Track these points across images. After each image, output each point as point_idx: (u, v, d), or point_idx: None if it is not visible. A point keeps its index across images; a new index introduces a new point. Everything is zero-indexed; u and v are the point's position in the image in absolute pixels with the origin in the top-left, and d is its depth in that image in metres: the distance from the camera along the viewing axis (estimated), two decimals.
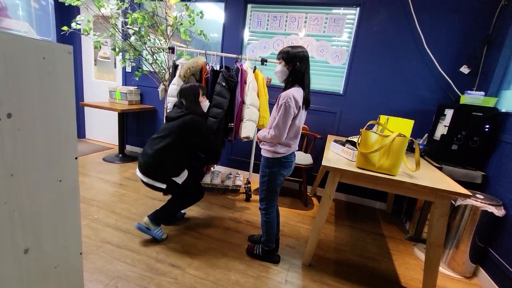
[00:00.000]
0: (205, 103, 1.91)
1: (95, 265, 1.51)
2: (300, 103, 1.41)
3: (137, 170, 1.75)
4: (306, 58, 1.45)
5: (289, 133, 1.46)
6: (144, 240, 1.77)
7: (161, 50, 2.86)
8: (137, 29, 2.62)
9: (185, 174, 1.78)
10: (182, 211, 2.15)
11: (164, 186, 1.72)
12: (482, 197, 1.73)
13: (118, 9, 2.56)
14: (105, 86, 3.60)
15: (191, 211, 2.22)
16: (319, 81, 2.78)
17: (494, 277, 1.67)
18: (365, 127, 1.53)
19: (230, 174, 2.74)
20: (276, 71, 1.50)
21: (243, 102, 2.23)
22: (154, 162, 1.68)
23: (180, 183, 1.75)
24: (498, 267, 1.64)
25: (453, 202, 1.78)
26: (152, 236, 1.76)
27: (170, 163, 1.71)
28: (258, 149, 2.89)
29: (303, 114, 1.49)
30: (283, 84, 1.52)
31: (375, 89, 2.56)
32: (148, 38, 2.72)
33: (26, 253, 0.79)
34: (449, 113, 2.04)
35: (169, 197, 1.95)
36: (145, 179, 1.71)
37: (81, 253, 1.00)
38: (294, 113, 1.40)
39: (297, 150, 2.57)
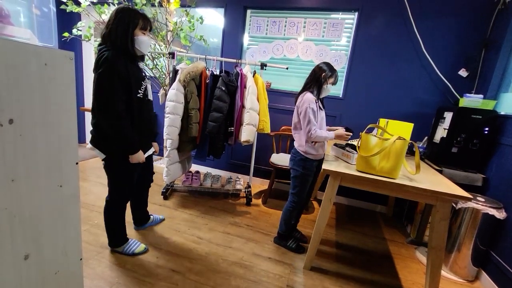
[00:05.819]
0: (142, 38, 1.36)
1: (95, 270, 1.50)
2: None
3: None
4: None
5: None
6: (144, 244, 1.76)
7: (161, 55, 2.89)
8: None
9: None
10: (161, 216, 2.08)
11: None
12: (483, 199, 1.73)
13: None
14: None
15: (191, 215, 2.21)
16: None
17: (497, 280, 1.66)
18: (364, 131, 1.54)
19: (231, 178, 2.74)
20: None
21: (243, 106, 2.24)
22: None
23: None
24: (500, 270, 1.63)
25: (454, 205, 1.77)
26: (127, 255, 1.63)
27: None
28: (258, 153, 2.90)
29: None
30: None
31: (374, 92, 2.57)
32: None
33: (26, 259, 0.79)
34: (448, 116, 2.05)
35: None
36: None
37: (81, 259, 1.00)
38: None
39: None
